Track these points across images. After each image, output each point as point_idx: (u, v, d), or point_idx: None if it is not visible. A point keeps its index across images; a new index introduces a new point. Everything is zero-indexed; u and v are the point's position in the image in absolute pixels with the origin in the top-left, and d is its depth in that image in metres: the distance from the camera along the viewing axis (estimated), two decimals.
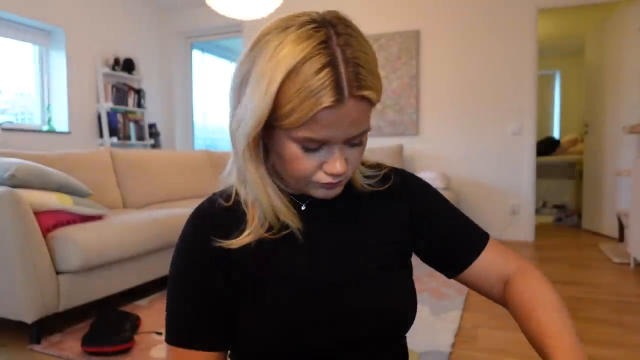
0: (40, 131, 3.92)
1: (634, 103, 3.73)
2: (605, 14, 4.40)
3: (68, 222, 2.03)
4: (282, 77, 0.49)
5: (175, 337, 0.61)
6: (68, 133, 4.09)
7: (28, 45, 4.00)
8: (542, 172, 5.23)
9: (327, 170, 0.56)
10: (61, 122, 4.10)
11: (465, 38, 4.01)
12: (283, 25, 0.52)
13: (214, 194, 0.66)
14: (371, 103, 0.54)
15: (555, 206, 5.62)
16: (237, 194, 0.64)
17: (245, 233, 0.60)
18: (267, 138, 0.58)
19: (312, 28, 0.51)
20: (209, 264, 0.61)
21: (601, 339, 1.85)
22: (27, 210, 1.80)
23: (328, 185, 0.58)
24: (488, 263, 0.67)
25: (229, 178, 0.65)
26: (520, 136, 3.90)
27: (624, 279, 2.74)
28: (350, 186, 0.68)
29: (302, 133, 0.52)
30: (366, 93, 0.51)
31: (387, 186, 0.69)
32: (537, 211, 5.24)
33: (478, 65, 3.98)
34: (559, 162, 5.62)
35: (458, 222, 0.70)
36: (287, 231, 0.62)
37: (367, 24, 4.22)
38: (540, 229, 4.28)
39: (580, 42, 5.60)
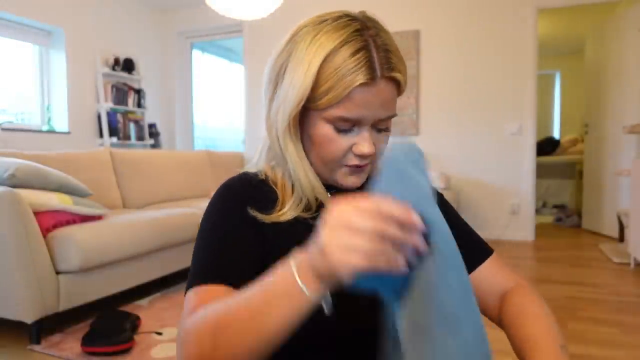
0: (40, 131, 3.92)
1: (634, 103, 3.73)
2: (605, 14, 4.40)
3: (68, 222, 2.03)
4: (322, 58, 0.55)
5: (201, 275, 0.57)
6: (68, 133, 4.09)
7: (28, 45, 4.00)
8: (542, 172, 5.23)
9: (357, 151, 0.59)
10: (61, 122, 4.10)
11: (465, 38, 4.00)
12: (319, 20, 0.59)
13: (243, 172, 0.69)
14: (399, 88, 0.59)
15: (555, 206, 5.62)
16: (265, 176, 0.66)
17: (285, 209, 0.62)
18: (300, 123, 0.62)
19: (347, 19, 0.58)
20: (244, 218, 0.61)
21: (601, 339, 1.85)
22: (27, 210, 1.80)
23: (355, 169, 0.61)
24: (488, 276, 0.68)
25: (257, 165, 0.68)
26: (520, 136, 3.90)
27: (624, 279, 2.74)
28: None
29: (337, 112, 0.57)
30: (396, 75, 0.57)
31: None
32: (537, 211, 5.23)
33: (478, 65, 3.97)
34: (559, 162, 5.62)
35: (465, 231, 0.73)
36: (316, 209, 0.64)
37: None
38: (540, 229, 4.28)
39: (580, 42, 5.60)
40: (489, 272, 0.69)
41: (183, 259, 2.59)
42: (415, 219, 0.40)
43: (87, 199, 2.23)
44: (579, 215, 4.71)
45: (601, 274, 2.87)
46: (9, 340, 1.89)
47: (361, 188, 0.65)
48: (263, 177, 0.67)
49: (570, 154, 5.64)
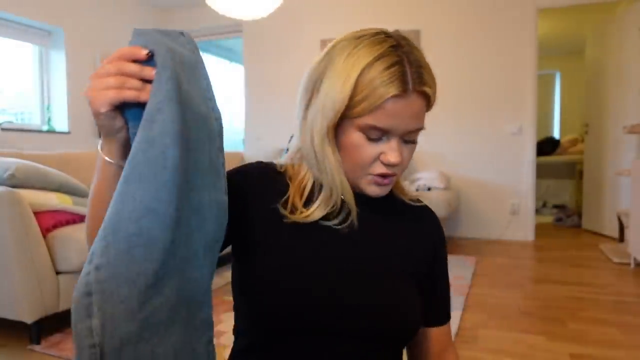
0: (40, 131, 3.92)
1: (634, 103, 3.73)
2: (605, 14, 4.40)
3: (68, 222, 2.03)
4: (360, 70, 0.59)
5: None
6: (68, 133, 4.09)
7: (28, 45, 4.00)
8: (542, 172, 5.23)
9: (384, 160, 0.62)
10: (61, 122, 4.10)
11: (465, 38, 4.00)
12: (356, 35, 0.63)
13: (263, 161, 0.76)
14: (429, 102, 0.63)
15: (555, 206, 5.62)
16: (285, 170, 0.72)
17: (312, 209, 0.66)
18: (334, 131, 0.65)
19: (384, 36, 0.61)
20: (249, 177, 0.70)
21: (601, 339, 1.85)
22: (26, 210, 1.80)
23: (381, 179, 0.64)
24: (439, 337, 0.75)
25: (280, 162, 0.73)
26: (520, 136, 3.90)
27: (624, 279, 2.74)
28: (395, 200, 0.74)
29: (369, 120, 0.60)
30: (426, 89, 0.61)
31: (420, 211, 0.76)
32: (537, 211, 5.24)
33: (478, 65, 3.98)
34: (559, 162, 5.62)
35: (444, 288, 0.77)
36: (343, 216, 0.67)
37: (367, 24, 4.20)
38: (540, 229, 4.28)
39: (580, 42, 5.60)
40: (441, 334, 0.75)
41: None
42: (143, 52, 0.49)
43: (87, 198, 2.23)
44: (579, 215, 4.71)
45: (601, 274, 2.87)
46: (9, 340, 1.89)
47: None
48: (282, 170, 0.71)
49: (570, 154, 5.64)
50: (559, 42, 6.14)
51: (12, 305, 1.80)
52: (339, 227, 0.66)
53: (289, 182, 0.70)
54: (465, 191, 4.07)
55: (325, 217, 0.66)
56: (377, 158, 0.63)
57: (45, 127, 4.01)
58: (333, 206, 0.67)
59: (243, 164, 0.74)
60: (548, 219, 5.19)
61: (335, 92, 0.60)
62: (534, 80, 3.83)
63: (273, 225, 0.66)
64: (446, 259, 0.78)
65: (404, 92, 0.59)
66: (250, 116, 4.86)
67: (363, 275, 0.65)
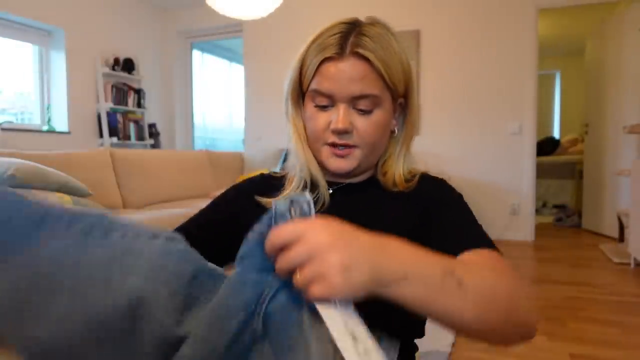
0: (40, 131, 3.92)
1: (634, 103, 3.73)
2: (605, 14, 4.40)
3: None
4: (309, 43, 0.63)
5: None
6: (68, 133, 4.09)
7: (28, 45, 4.00)
8: (542, 172, 5.23)
9: (332, 127, 0.63)
10: (61, 122, 4.10)
11: (465, 38, 4.00)
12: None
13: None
14: (373, 67, 0.61)
15: (556, 206, 5.61)
16: (283, 174, 0.75)
17: (282, 195, 0.70)
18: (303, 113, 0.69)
19: (346, 19, 0.65)
20: (235, 200, 0.73)
21: (601, 339, 1.85)
22: None
23: (335, 149, 0.65)
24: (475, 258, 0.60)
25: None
26: (520, 136, 3.89)
27: (624, 279, 2.74)
28: (379, 185, 0.71)
29: (312, 86, 0.64)
30: (364, 52, 0.60)
31: (411, 188, 0.70)
32: (537, 211, 5.23)
33: (478, 65, 3.97)
34: (559, 162, 5.62)
35: (463, 222, 0.66)
36: (316, 197, 0.68)
37: None
38: (540, 229, 4.28)
39: (580, 42, 5.60)
40: (473, 259, 0.57)
41: None
42: None
43: (87, 199, 2.23)
44: (579, 215, 4.71)
45: (601, 274, 2.87)
46: None
47: (349, 175, 0.69)
48: (281, 174, 0.75)
49: (570, 154, 5.64)
50: (559, 42, 6.14)
51: None
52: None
53: (285, 182, 0.72)
54: (465, 191, 4.00)
55: None
56: (327, 127, 0.64)
57: (45, 127, 4.01)
58: (304, 187, 0.69)
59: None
60: (548, 219, 5.18)
61: (291, 69, 0.66)
62: (534, 80, 3.83)
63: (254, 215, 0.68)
64: (455, 201, 0.69)
65: (338, 54, 0.60)
66: (250, 116, 4.86)
67: None
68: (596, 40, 4.34)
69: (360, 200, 0.70)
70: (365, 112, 0.63)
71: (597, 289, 2.54)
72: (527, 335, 0.49)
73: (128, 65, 4.66)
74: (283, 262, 0.38)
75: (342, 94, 0.62)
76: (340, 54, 0.61)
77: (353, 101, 0.62)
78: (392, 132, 0.71)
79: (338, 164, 0.65)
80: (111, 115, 4.46)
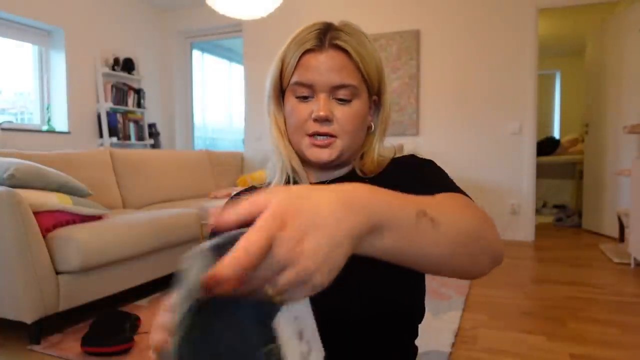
0: (39, 131, 3.92)
1: (634, 103, 3.73)
2: (605, 14, 4.40)
3: (67, 222, 2.03)
4: (289, 42, 0.67)
5: None
6: (68, 133, 4.09)
7: (28, 45, 4.00)
8: (542, 172, 5.23)
9: (314, 115, 0.66)
10: (61, 122, 4.10)
11: (465, 38, 4.00)
12: None
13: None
14: (351, 59, 0.65)
15: (556, 206, 5.62)
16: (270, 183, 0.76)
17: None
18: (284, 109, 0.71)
19: (322, 22, 0.68)
20: None
21: (601, 339, 1.85)
22: (27, 210, 1.79)
23: (317, 141, 0.66)
24: None
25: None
26: (520, 136, 3.90)
27: (624, 279, 2.74)
28: (358, 178, 0.72)
29: (293, 79, 0.66)
30: (342, 44, 0.64)
31: (385, 170, 0.73)
32: (537, 211, 5.23)
33: (478, 65, 3.97)
34: (559, 162, 5.62)
35: (434, 179, 0.70)
36: None
37: (367, 24, 4.22)
38: (540, 229, 4.28)
39: (580, 42, 5.60)
40: None
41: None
42: None
43: (87, 199, 2.23)
44: (579, 215, 4.71)
45: (601, 274, 2.87)
46: (9, 340, 1.89)
47: (329, 166, 0.70)
48: (268, 181, 0.76)
49: (570, 154, 5.64)
50: (559, 42, 6.14)
51: (12, 305, 1.80)
52: None
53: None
54: (465, 191, 4.06)
55: None
56: (309, 117, 0.66)
57: (45, 127, 4.01)
58: (287, 182, 0.71)
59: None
60: (548, 219, 5.18)
61: (272, 68, 0.70)
62: (534, 80, 3.83)
63: None
64: (426, 168, 0.73)
65: (317, 46, 0.64)
66: (250, 116, 4.86)
67: None
68: (596, 40, 4.34)
69: None
70: (344, 102, 0.66)
71: (597, 289, 2.54)
72: (497, 261, 0.50)
73: (128, 65, 4.66)
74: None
75: (322, 83, 0.65)
76: (319, 46, 0.64)
77: (333, 91, 0.65)
78: (369, 127, 0.74)
79: (318, 154, 0.67)
80: (111, 115, 4.46)
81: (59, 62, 4.08)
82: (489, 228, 0.49)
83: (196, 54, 5.55)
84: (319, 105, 0.65)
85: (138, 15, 4.91)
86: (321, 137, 0.66)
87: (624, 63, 3.87)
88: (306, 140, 0.67)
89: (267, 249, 0.29)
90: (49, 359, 1.72)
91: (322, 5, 4.38)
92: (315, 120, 0.66)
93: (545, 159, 5.48)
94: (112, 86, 4.50)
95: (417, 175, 0.71)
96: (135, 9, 4.87)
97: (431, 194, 0.53)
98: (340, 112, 0.66)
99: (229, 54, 6.27)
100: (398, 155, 0.78)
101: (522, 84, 3.86)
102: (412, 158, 0.76)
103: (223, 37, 5.21)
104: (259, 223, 0.30)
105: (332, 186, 0.36)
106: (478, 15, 3.95)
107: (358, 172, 0.73)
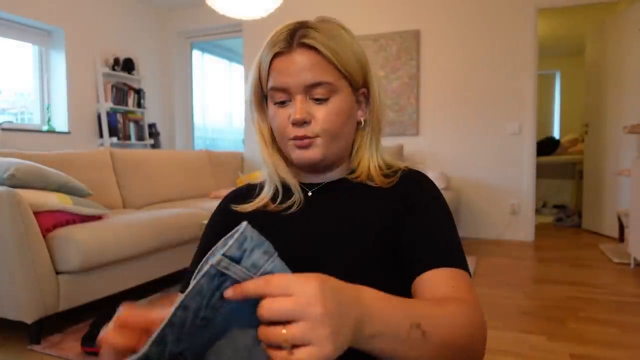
0: (40, 131, 3.92)
1: (634, 103, 3.73)
2: (605, 14, 4.40)
3: (68, 222, 2.03)
4: (264, 45, 0.66)
5: (182, 282, 0.71)
6: (68, 133, 4.09)
7: (28, 45, 4.00)
8: (542, 172, 5.23)
9: (290, 119, 0.65)
10: (61, 122, 4.10)
11: (465, 38, 4.00)
12: None
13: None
14: (322, 56, 0.63)
15: (556, 206, 5.62)
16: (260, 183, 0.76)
17: (256, 201, 0.72)
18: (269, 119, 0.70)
19: (295, 21, 0.66)
20: (220, 220, 0.74)
21: (601, 339, 1.85)
22: (27, 210, 1.79)
23: (299, 142, 0.65)
24: (432, 283, 0.59)
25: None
26: (520, 136, 3.90)
27: (624, 279, 2.74)
28: (355, 180, 0.72)
29: (269, 84, 0.66)
30: (310, 41, 0.63)
31: (391, 183, 0.70)
32: (537, 211, 5.23)
33: (478, 65, 3.97)
34: (559, 162, 5.62)
35: (435, 232, 0.64)
36: (289, 203, 0.69)
37: (367, 24, 4.22)
38: (540, 229, 4.28)
39: (580, 42, 5.60)
40: (435, 280, 0.58)
41: (183, 259, 2.59)
42: None
43: (87, 199, 2.23)
44: (579, 215, 4.71)
45: (601, 274, 2.87)
46: (9, 340, 1.89)
47: (317, 167, 0.69)
48: (256, 184, 0.76)
49: (570, 154, 5.64)
50: (559, 42, 6.14)
51: (12, 305, 1.80)
52: (288, 211, 0.69)
53: (257, 190, 0.75)
54: (465, 191, 4.07)
55: (279, 207, 0.70)
56: (289, 122, 0.66)
57: (45, 127, 4.01)
58: (275, 192, 0.71)
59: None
60: (548, 219, 5.18)
61: (250, 75, 0.70)
62: (534, 80, 3.83)
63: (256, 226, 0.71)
64: (432, 203, 0.68)
65: (285, 48, 0.63)
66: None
67: (314, 258, 0.64)
68: (596, 40, 4.34)
69: (335, 200, 0.70)
70: (321, 101, 0.65)
71: (597, 289, 2.54)
72: (476, 359, 0.55)
73: (128, 65, 4.66)
74: (267, 311, 0.38)
75: (295, 85, 0.63)
76: (288, 48, 0.63)
77: (308, 91, 0.64)
78: (359, 123, 0.72)
79: (301, 155, 0.66)
80: (111, 115, 4.46)
81: (59, 62, 4.08)
82: (477, 331, 0.53)
83: (196, 54, 5.55)
84: (295, 108, 0.64)
85: (138, 15, 4.91)
86: (302, 139, 0.65)
87: (624, 63, 3.87)
88: (290, 144, 0.67)
89: (284, 314, 0.37)
90: (49, 359, 1.72)
91: (322, 6, 4.38)
92: (293, 124, 0.65)
93: (545, 159, 5.48)
94: (112, 86, 4.50)
95: (422, 211, 0.66)
96: (135, 9, 4.87)
97: (429, 251, 0.61)
98: (319, 112, 0.65)
99: (228, 54, 6.27)
100: (410, 167, 0.75)
101: (522, 84, 3.86)
102: (423, 182, 0.72)
103: (223, 37, 5.21)
104: (293, 305, 0.37)
105: (351, 291, 0.42)
106: (478, 15, 3.95)
107: (354, 173, 0.71)
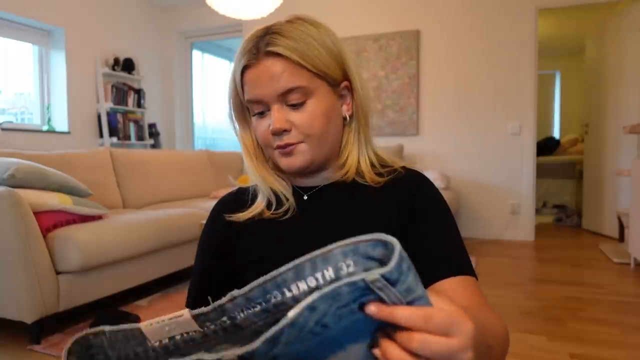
0: (40, 131, 3.92)
1: (634, 103, 3.73)
2: (605, 14, 4.40)
3: (68, 222, 2.03)
4: (234, 60, 0.66)
5: (187, 298, 0.73)
6: (68, 133, 4.09)
7: (28, 45, 4.00)
8: (542, 172, 5.23)
9: (270, 130, 0.64)
10: (61, 122, 4.10)
11: (465, 38, 4.00)
12: None
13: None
14: (290, 61, 0.61)
15: (556, 206, 5.62)
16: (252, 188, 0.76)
17: (250, 209, 0.71)
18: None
19: (260, 28, 0.65)
20: (215, 230, 0.73)
21: (601, 339, 1.85)
22: (27, 210, 1.79)
23: (282, 151, 0.65)
24: (450, 293, 0.59)
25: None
26: (520, 136, 3.90)
27: (624, 279, 2.74)
28: (354, 182, 0.70)
29: (245, 97, 0.66)
30: (274, 48, 0.61)
31: (389, 181, 0.68)
32: (537, 211, 5.23)
33: (478, 65, 3.97)
34: (559, 162, 5.62)
35: (443, 239, 0.65)
36: (283, 209, 0.69)
37: (367, 24, 4.22)
38: (540, 229, 4.28)
39: (580, 42, 5.60)
40: (449, 289, 0.59)
41: (183, 259, 2.59)
42: None
43: (87, 199, 2.23)
44: (579, 215, 4.71)
45: (601, 274, 2.87)
46: (9, 340, 1.89)
47: (307, 171, 0.68)
48: (246, 188, 0.75)
49: (570, 154, 5.64)
50: (559, 42, 6.14)
51: (12, 305, 1.80)
52: (283, 217, 0.69)
53: (254, 195, 0.74)
54: (465, 191, 4.07)
55: (275, 213, 0.70)
56: (269, 132, 0.65)
57: (45, 127, 4.01)
58: (269, 201, 0.71)
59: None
60: (548, 219, 5.18)
61: (227, 87, 0.70)
62: (534, 80, 3.83)
63: (234, 236, 0.71)
64: (439, 207, 0.68)
65: (252, 59, 0.63)
66: None
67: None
68: (596, 40, 4.34)
69: (332, 203, 0.69)
70: (297, 106, 0.63)
71: (597, 289, 2.54)
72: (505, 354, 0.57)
73: (128, 65, 4.66)
74: (423, 349, 0.34)
75: (268, 95, 0.63)
76: (255, 58, 0.62)
77: (283, 98, 0.63)
78: (346, 118, 0.70)
79: (288, 163, 0.66)
80: (111, 115, 4.46)
81: (59, 62, 4.08)
82: (506, 332, 0.57)
83: (196, 54, 5.55)
84: (273, 118, 0.63)
85: (138, 15, 4.91)
86: (287, 147, 0.65)
87: (624, 63, 3.87)
88: (276, 153, 0.66)
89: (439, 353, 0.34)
90: (49, 359, 1.72)
91: (322, 6, 4.38)
92: (272, 133, 0.64)
93: (545, 159, 5.49)
94: (112, 86, 4.50)
95: (426, 216, 0.66)
96: (135, 9, 4.87)
97: (440, 259, 0.62)
98: (297, 117, 0.63)
99: (229, 54, 6.27)
100: (408, 165, 0.73)
101: (522, 84, 3.86)
102: (424, 184, 0.71)
103: (223, 37, 5.21)
104: (449, 349, 0.34)
105: (477, 326, 0.39)
106: (478, 15, 3.95)
107: (343, 170, 0.69)
